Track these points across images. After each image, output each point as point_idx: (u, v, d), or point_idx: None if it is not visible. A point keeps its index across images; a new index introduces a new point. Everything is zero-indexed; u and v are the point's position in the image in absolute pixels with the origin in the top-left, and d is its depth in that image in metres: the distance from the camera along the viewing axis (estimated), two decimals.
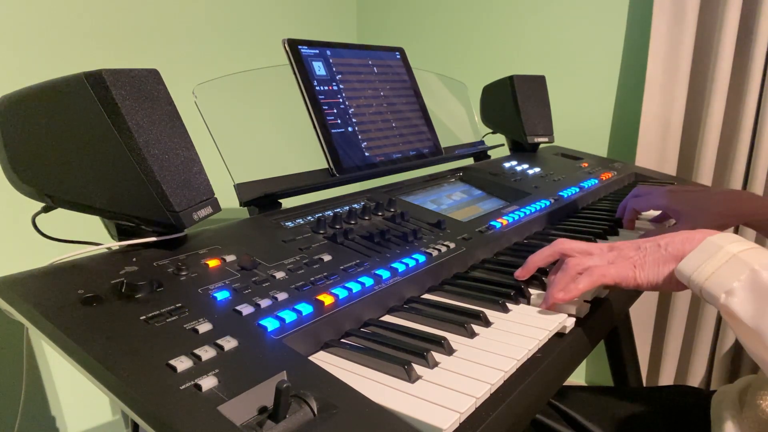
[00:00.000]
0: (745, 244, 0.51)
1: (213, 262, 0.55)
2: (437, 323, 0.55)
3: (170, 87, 0.58)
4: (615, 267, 0.57)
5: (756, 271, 0.47)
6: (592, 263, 0.58)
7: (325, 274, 0.57)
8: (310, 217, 0.72)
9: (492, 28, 1.76)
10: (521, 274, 0.64)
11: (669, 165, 1.48)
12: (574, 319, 0.57)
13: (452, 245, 0.70)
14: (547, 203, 0.94)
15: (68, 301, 0.45)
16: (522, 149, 1.30)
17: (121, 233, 0.57)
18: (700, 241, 0.53)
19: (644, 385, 1.48)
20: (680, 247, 0.54)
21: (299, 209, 0.73)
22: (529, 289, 0.62)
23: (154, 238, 0.56)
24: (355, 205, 0.79)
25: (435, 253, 0.67)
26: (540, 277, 0.65)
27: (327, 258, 0.61)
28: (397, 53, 1.02)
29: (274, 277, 0.55)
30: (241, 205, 0.73)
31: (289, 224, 0.68)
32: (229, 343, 0.43)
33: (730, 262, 0.49)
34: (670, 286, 0.55)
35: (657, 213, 0.93)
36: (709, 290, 0.50)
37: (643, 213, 0.91)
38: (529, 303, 0.60)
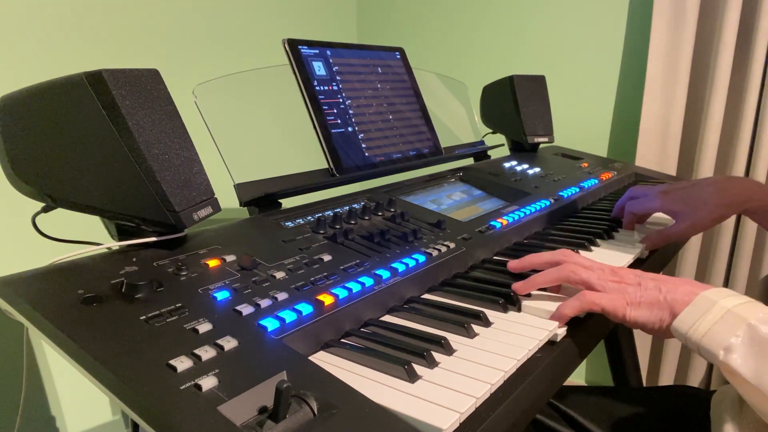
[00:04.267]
0: (739, 298, 0.51)
1: (213, 262, 0.55)
2: (437, 323, 0.55)
3: (170, 87, 0.58)
4: (608, 297, 0.56)
5: (753, 326, 0.47)
6: (587, 277, 0.58)
7: (325, 274, 0.57)
8: (310, 217, 0.72)
9: (492, 28, 1.76)
10: (514, 266, 0.65)
11: (669, 165, 1.48)
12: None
13: (452, 245, 0.70)
14: (547, 203, 0.94)
15: (68, 301, 0.45)
16: (522, 149, 1.30)
17: (121, 233, 0.57)
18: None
19: (644, 385, 1.48)
20: (679, 298, 0.53)
21: (299, 209, 0.73)
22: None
23: (154, 238, 0.56)
24: (355, 205, 0.79)
25: (435, 253, 0.67)
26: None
27: (327, 258, 0.61)
28: (397, 53, 1.02)
29: (274, 277, 0.55)
30: (241, 205, 0.73)
31: (289, 224, 0.68)
32: (229, 343, 0.43)
33: (726, 318, 0.49)
34: (657, 332, 0.55)
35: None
36: (707, 347, 0.49)
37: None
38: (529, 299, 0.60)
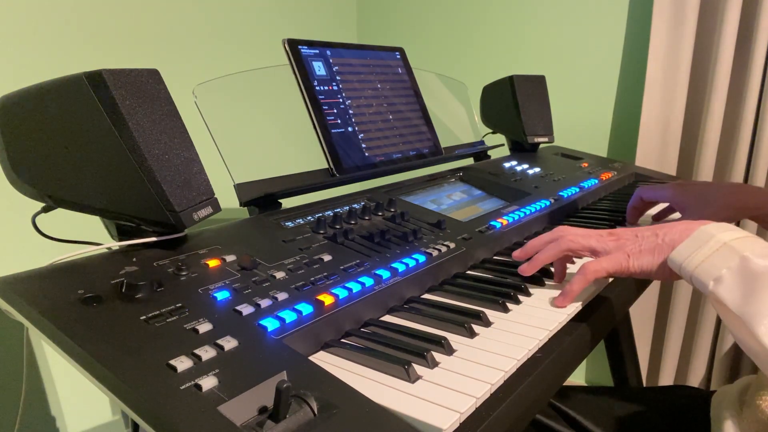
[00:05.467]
0: (738, 232, 0.51)
1: (213, 262, 0.55)
2: (437, 323, 0.55)
3: (170, 87, 0.58)
4: (608, 259, 0.57)
5: (746, 257, 0.48)
6: (587, 243, 0.59)
7: (325, 274, 0.57)
8: (310, 217, 0.72)
9: (492, 28, 1.76)
10: (518, 254, 0.66)
11: (669, 165, 1.48)
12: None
13: (452, 245, 0.70)
14: (547, 203, 0.94)
15: (68, 301, 0.45)
16: (522, 149, 1.30)
17: (122, 233, 0.57)
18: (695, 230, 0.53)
19: (644, 385, 1.48)
20: (677, 237, 0.54)
21: (299, 209, 0.73)
22: (530, 289, 0.63)
23: (154, 238, 0.56)
24: (355, 205, 0.79)
25: (435, 253, 0.67)
26: (541, 278, 0.65)
27: (327, 258, 0.61)
28: (397, 53, 1.02)
29: (274, 277, 0.55)
30: (241, 205, 0.73)
31: (289, 224, 0.68)
32: (229, 343, 0.43)
33: (721, 250, 0.50)
34: (664, 275, 0.56)
35: (661, 208, 0.93)
36: (699, 278, 0.50)
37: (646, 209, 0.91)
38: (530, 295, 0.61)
